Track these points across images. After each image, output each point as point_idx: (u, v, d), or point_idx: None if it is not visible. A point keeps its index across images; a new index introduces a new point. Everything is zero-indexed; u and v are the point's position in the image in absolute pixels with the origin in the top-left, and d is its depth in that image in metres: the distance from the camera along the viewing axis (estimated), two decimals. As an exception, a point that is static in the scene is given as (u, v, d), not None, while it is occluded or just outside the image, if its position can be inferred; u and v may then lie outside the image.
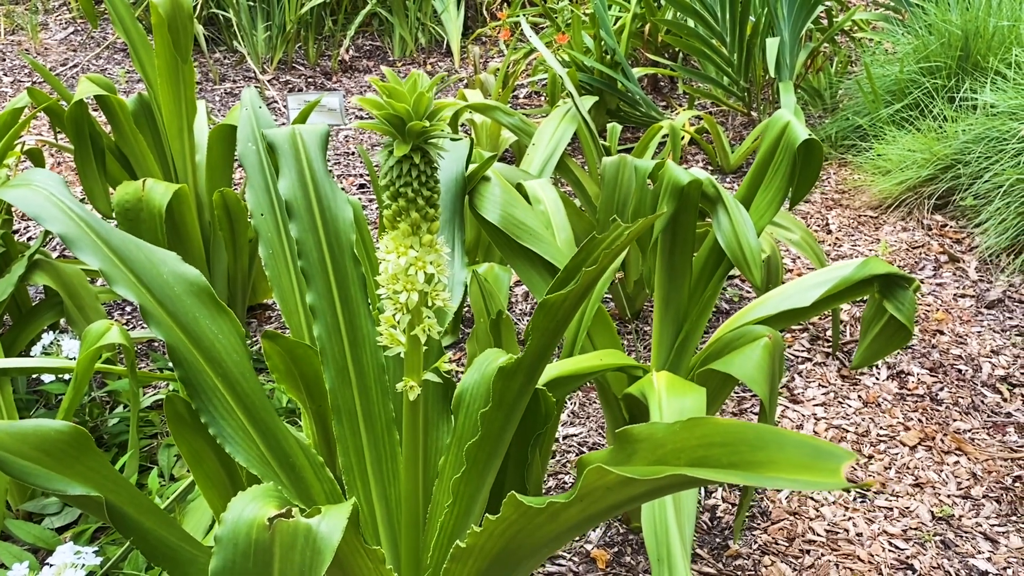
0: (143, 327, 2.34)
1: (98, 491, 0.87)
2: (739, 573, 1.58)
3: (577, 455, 1.90)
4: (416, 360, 1.01)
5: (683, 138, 3.46)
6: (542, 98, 4.20)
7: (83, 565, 1.31)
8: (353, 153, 3.59)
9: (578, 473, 0.86)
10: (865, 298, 1.83)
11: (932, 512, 1.74)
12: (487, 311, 1.63)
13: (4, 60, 4.31)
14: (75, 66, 4.27)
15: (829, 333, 2.34)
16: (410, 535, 1.12)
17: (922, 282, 2.59)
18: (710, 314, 1.50)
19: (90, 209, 2.67)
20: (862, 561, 1.61)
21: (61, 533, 1.66)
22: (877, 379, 2.16)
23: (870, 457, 1.89)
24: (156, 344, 2.26)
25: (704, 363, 1.51)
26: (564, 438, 1.94)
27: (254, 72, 4.32)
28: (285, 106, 3.79)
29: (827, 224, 2.98)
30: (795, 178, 1.38)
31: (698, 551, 1.63)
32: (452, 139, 1.38)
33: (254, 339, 2.30)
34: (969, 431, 1.98)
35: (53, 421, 0.88)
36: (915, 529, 1.70)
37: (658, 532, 1.19)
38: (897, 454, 1.90)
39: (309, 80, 4.33)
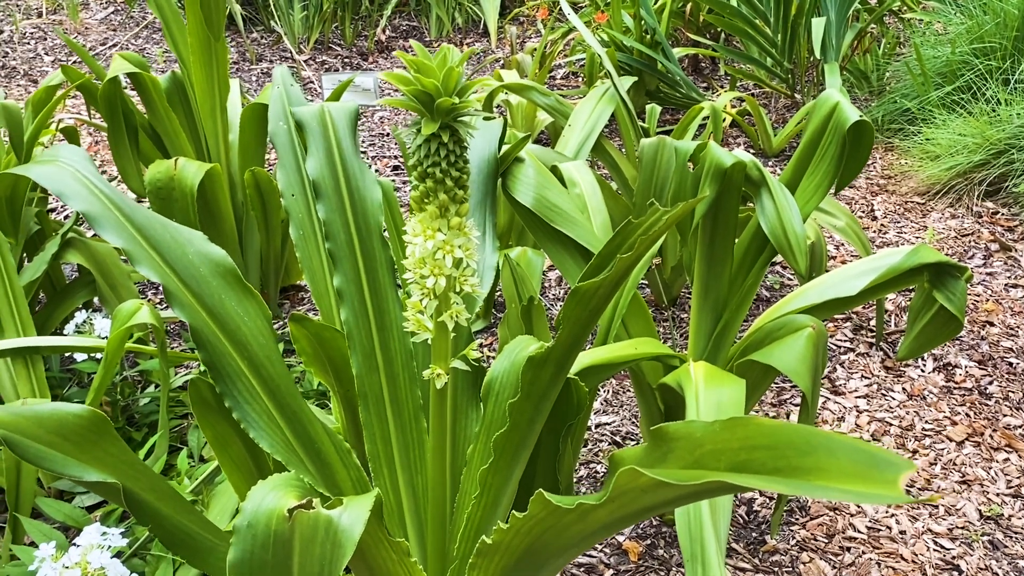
0: (176, 306, 2.34)
1: (116, 477, 0.85)
2: (776, 570, 1.53)
3: (610, 444, 1.86)
4: (443, 347, 0.97)
5: (724, 120, 3.39)
6: (579, 79, 4.13)
7: (109, 546, 1.30)
8: (387, 134, 3.56)
9: (610, 471, 0.82)
10: (912, 287, 1.76)
11: (980, 511, 1.68)
12: (519, 296, 1.59)
13: (45, 39, 4.34)
14: (114, 45, 4.29)
15: (873, 322, 2.26)
16: (436, 526, 1.09)
17: (972, 271, 2.50)
18: (751, 303, 1.45)
19: (119, 186, 2.66)
20: (905, 560, 1.55)
21: (91, 512, 1.67)
22: (923, 371, 2.09)
23: (914, 452, 1.83)
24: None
25: (743, 353, 1.46)
26: (596, 427, 1.90)
27: (290, 52, 4.30)
28: (321, 87, 3.76)
29: (872, 210, 2.90)
30: (843, 162, 1.31)
31: (734, 545, 1.59)
32: (485, 118, 1.34)
33: (287, 320, 2.29)
34: (1020, 427, 1.90)
35: (72, 405, 0.86)
36: (962, 528, 1.64)
37: (692, 528, 1.15)
38: (943, 450, 1.84)
39: (345, 60, 4.31)
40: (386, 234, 1.22)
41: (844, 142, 1.29)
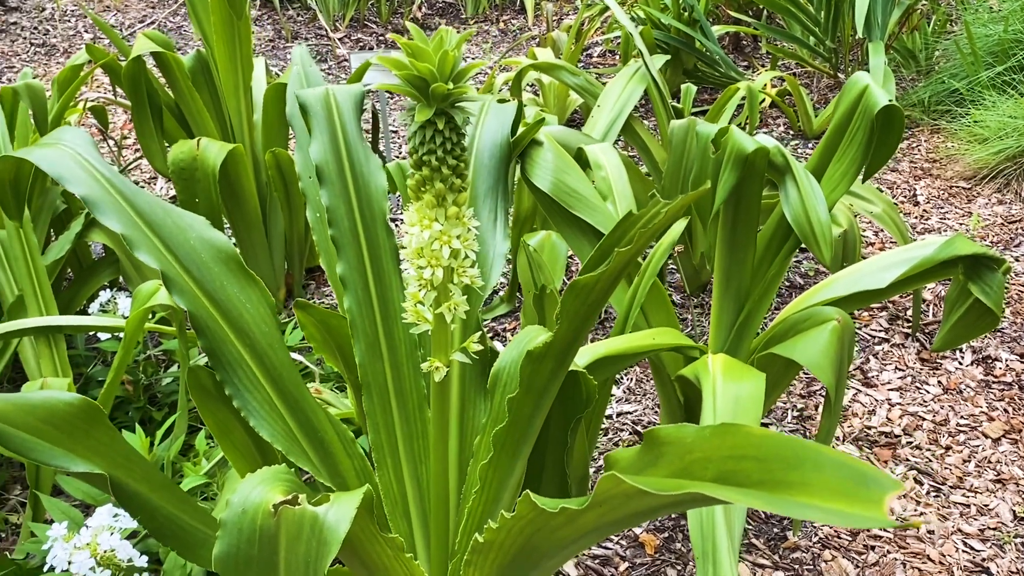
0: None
1: (106, 466, 0.84)
2: (796, 567, 1.49)
3: (631, 433, 1.83)
4: (443, 339, 0.95)
5: (763, 101, 3.30)
6: (616, 56, 4.06)
7: (121, 528, 1.30)
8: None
9: (604, 470, 0.79)
10: (950, 277, 1.69)
11: (1014, 511, 1.61)
12: (534, 283, 1.56)
13: (86, 17, 4.38)
14: (152, 23, 4.31)
15: (910, 312, 2.19)
16: (439, 519, 1.07)
17: (1016, 260, 2.40)
18: (775, 293, 1.40)
19: (146, 162, 2.66)
20: (932, 561, 1.50)
21: (111, 490, 1.68)
22: (960, 364, 2.01)
23: (947, 448, 1.76)
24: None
25: (767, 346, 1.41)
26: (618, 415, 1.87)
27: (325, 30, 4.29)
28: (353, 66, 3.74)
29: (914, 195, 2.80)
30: (871, 148, 1.25)
31: (753, 541, 1.55)
32: (499, 101, 1.31)
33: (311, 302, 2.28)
34: (1061, 425, 1.82)
35: (64, 393, 0.85)
36: (994, 529, 1.57)
37: (704, 525, 1.11)
38: (978, 446, 1.77)
39: (380, 38, 4.28)
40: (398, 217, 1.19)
41: (873, 127, 1.23)
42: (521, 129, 1.37)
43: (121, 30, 4.18)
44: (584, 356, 1.31)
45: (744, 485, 0.58)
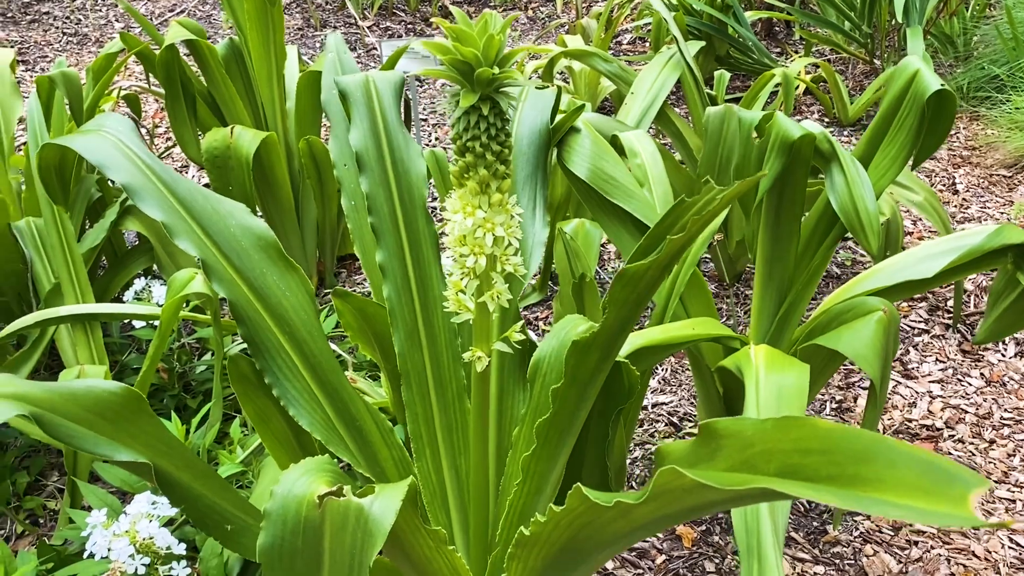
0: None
1: (150, 455, 0.83)
2: (837, 562, 1.47)
3: (666, 425, 1.81)
4: (484, 328, 0.93)
5: (797, 88, 3.24)
6: (646, 44, 4.01)
7: (158, 516, 1.30)
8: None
9: (655, 464, 0.77)
10: (995, 268, 1.65)
11: (1061, 507, 1.58)
12: (572, 272, 1.54)
13: (116, 6, 4.40)
14: (182, 11, 4.33)
15: (950, 303, 2.14)
16: (479, 511, 1.06)
17: (1061, 250, 2.34)
18: (817, 283, 1.37)
19: (178, 151, 2.68)
20: (977, 557, 1.47)
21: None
22: (1003, 356, 1.97)
23: (991, 443, 1.73)
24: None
25: (809, 337, 1.39)
26: (653, 406, 1.85)
27: (354, 18, 4.28)
28: (382, 53, 3.73)
29: (954, 183, 2.74)
30: (922, 134, 1.22)
31: (793, 535, 1.52)
32: (537, 87, 1.29)
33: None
34: (1108, 419, 1.78)
35: (106, 382, 0.85)
36: (1040, 525, 1.54)
37: (748, 519, 1.09)
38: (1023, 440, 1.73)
39: (409, 26, 4.27)
40: (437, 205, 1.18)
41: (923, 113, 1.20)
42: (559, 116, 1.35)
43: (152, 19, 4.20)
44: (624, 346, 1.30)
45: (811, 480, 0.56)
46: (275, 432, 1.11)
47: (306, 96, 2.02)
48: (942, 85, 1.18)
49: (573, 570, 0.89)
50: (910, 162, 1.32)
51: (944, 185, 2.74)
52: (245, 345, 2.03)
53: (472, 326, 0.93)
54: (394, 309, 1.09)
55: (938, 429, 1.77)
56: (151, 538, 1.29)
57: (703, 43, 2.96)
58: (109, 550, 1.26)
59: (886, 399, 1.84)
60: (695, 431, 1.80)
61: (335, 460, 0.86)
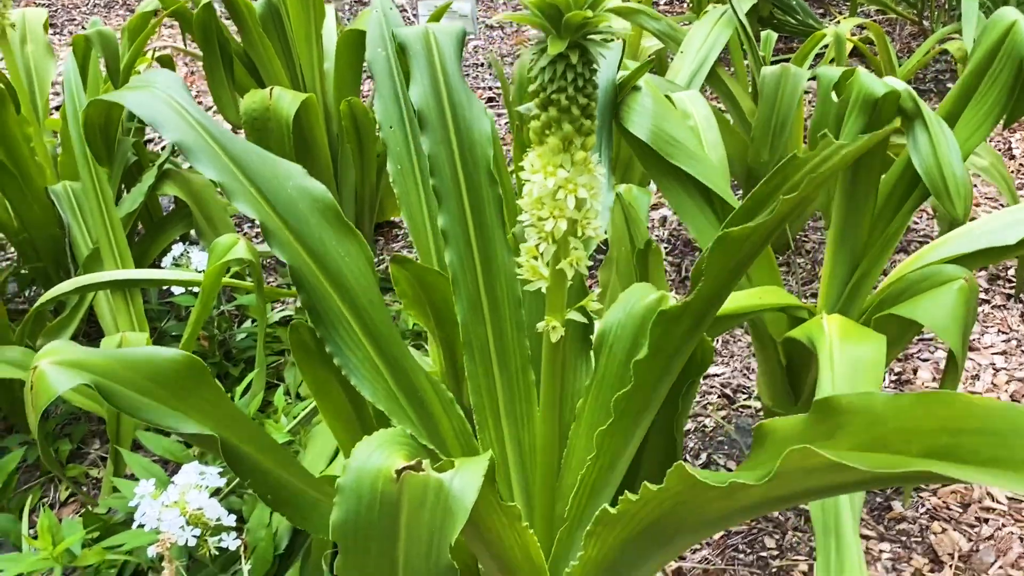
0: (272, 240, 2.31)
1: (213, 427, 0.79)
2: (903, 539, 1.42)
3: (719, 396, 1.75)
4: (559, 297, 0.88)
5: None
6: (684, 3, 3.91)
7: (207, 487, 1.27)
8: (483, 64, 3.44)
9: (757, 442, 0.72)
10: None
11: None
12: (630, 238, 1.48)
13: (143, -31, 4.33)
14: (209, -26, 4.26)
15: (1011, 272, 2.07)
16: (545, 488, 1.02)
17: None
18: (893, 251, 1.30)
19: (214, 115, 2.64)
20: (1050, 536, 1.41)
21: (190, 447, 1.66)
22: (1069, 327, 1.90)
23: (1060, 417, 1.66)
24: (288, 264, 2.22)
25: (880, 306, 1.32)
26: (704, 378, 1.79)
27: (384, -21, 4.19)
28: (415, 13, 3.65)
29: (1010, 148, 2.65)
30: (1016, 92, 1.15)
31: (855, 511, 1.47)
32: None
33: (380, 258, 2.23)
34: None
35: (167, 349, 0.81)
36: (1114, 503, 1.48)
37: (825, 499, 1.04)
38: (1093, 415, 1.66)
39: (439, -13, 4.17)
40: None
41: (1020, 69, 1.12)
42: (622, 73, 1.29)
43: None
44: (687, 316, 1.24)
45: (971, 462, 0.50)
46: (334, 403, 1.07)
47: (345, 56, 1.96)
48: (1043, 37, 1.10)
49: (655, 552, 0.85)
50: (1004, 121, 1.24)
51: (999, 149, 2.65)
52: (287, 313, 1.99)
53: (545, 294, 0.88)
54: (457, 277, 1.03)
55: (1003, 403, 1.70)
56: (201, 509, 1.25)
57: (755, 0, 2.85)
58: (159, 521, 1.23)
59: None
60: (749, 404, 1.75)
61: (408, 433, 0.81)
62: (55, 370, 0.72)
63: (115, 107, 1.52)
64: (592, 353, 1.11)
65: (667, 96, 1.76)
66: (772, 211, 0.66)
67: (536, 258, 0.87)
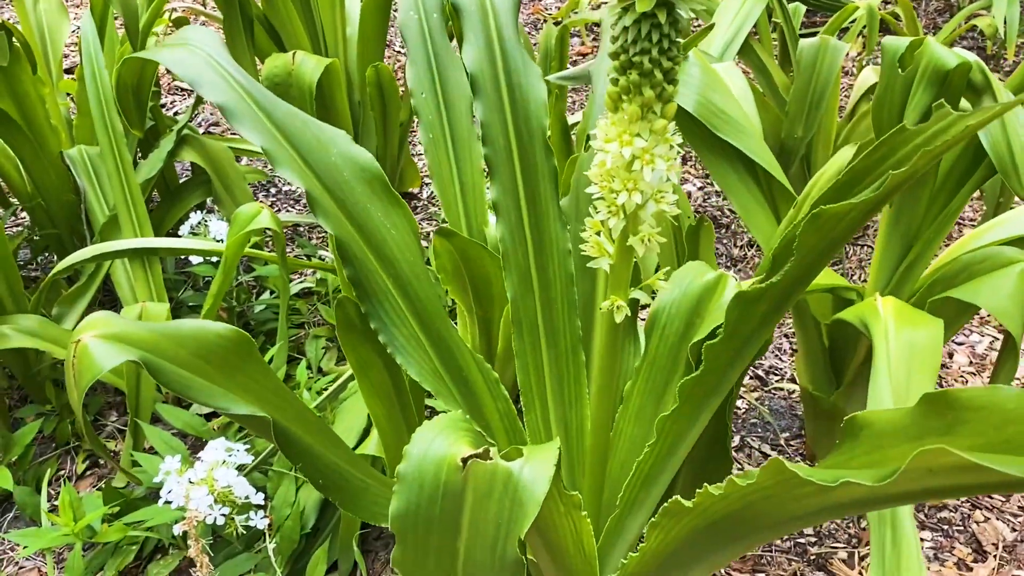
0: (288, 210, 2.26)
1: (263, 407, 0.75)
2: (945, 527, 1.38)
3: (751, 378, 1.71)
4: (625, 275, 0.83)
5: (865, 26, 3.07)
6: (705, -23, 3.82)
7: (235, 464, 1.23)
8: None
9: (848, 433, 0.68)
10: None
11: None
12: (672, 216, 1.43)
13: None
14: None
15: (1047, 256, 2.02)
16: (595, 472, 0.97)
17: None
18: (948, 231, 1.25)
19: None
20: (1095, 527, 1.38)
21: (209, 420, 1.62)
22: (1106, 313, 1.85)
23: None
24: (302, 228, 2.17)
25: (932, 289, 1.28)
26: (737, 357, 1.75)
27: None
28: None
29: (1041, 128, 2.59)
30: (1092, 66, 1.09)
31: (894, 498, 1.44)
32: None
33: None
34: None
35: (214, 324, 0.76)
36: None
37: (882, 487, 1.00)
38: None
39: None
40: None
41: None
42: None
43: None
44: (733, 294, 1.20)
45: None
46: (373, 381, 1.02)
47: (371, 20, 1.89)
48: None
49: (720, 549, 0.81)
50: None
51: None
52: (307, 284, 1.94)
53: (609, 272, 0.83)
54: (508, 251, 0.99)
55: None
56: (229, 487, 1.22)
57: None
58: (187, 498, 1.19)
59: (982, 355, 1.74)
60: (782, 385, 1.71)
61: (468, 419, 0.77)
62: (100, 345, 0.68)
63: (148, 65, 1.46)
64: (642, 333, 1.07)
65: (704, 67, 1.71)
66: (880, 186, 0.61)
67: (599, 233, 0.82)
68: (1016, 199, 1.84)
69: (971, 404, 0.55)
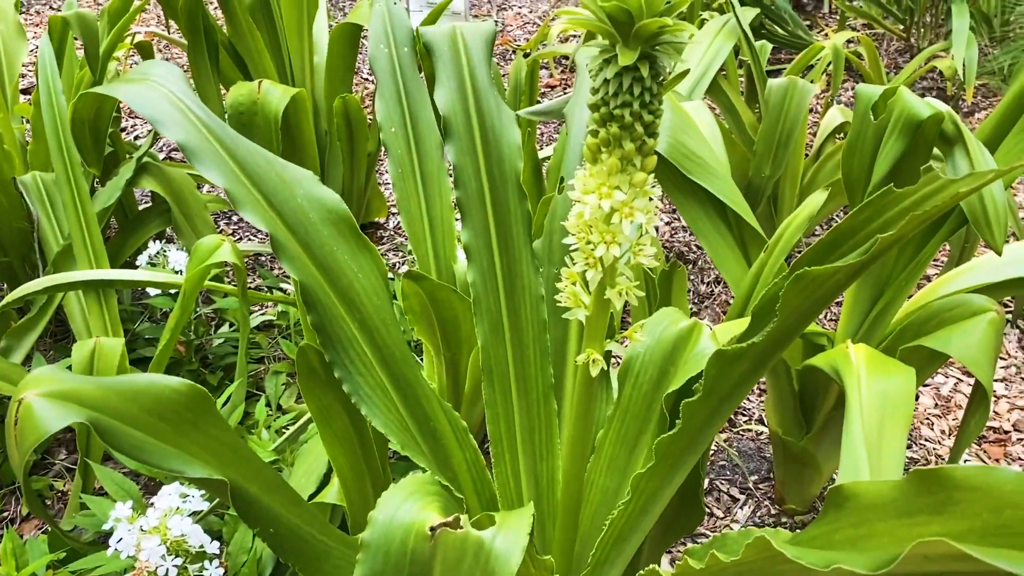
0: (250, 239, 2.21)
1: (220, 466, 0.71)
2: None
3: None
4: (601, 327, 0.81)
5: (829, 64, 3.11)
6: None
7: (190, 511, 1.18)
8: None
9: (831, 503, 0.66)
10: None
11: None
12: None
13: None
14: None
15: (1008, 298, 2.04)
16: (566, 527, 0.94)
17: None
18: (919, 279, 1.25)
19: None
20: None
21: (164, 459, 1.56)
22: (1067, 355, 1.87)
23: (1064, 448, 1.63)
24: (264, 258, 2.12)
25: (902, 335, 1.27)
26: (706, 398, 1.74)
27: (366, -30, 4.08)
28: (407, 7, 3.55)
29: (1001, 169, 2.63)
30: (1062, 119, 1.10)
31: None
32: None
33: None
34: None
35: (168, 378, 0.72)
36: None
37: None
38: (1096, 447, 1.64)
39: (422, -19, 4.07)
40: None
41: (1070, 96, 1.08)
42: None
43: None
44: (704, 339, 1.18)
45: None
46: (336, 430, 0.98)
47: (340, 49, 1.86)
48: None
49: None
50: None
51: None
52: (268, 317, 1.89)
53: (585, 324, 0.81)
54: (479, 296, 0.96)
55: (1006, 432, 1.67)
56: (183, 536, 1.16)
57: (757, 10, 2.81)
58: (138, 548, 1.13)
59: (947, 398, 1.74)
60: (751, 427, 1.70)
61: (437, 480, 0.74)
62: (45, 404, 0.63)
63: (107, 100, 1.42)
64: (615, 379, 1.04)
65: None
66: (867, 251, 0.59)
67: (576, 283, 0.80)
68: (982, 243, 1.86)
69: (965, 484, 0.53)
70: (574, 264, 0.77)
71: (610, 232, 0.73)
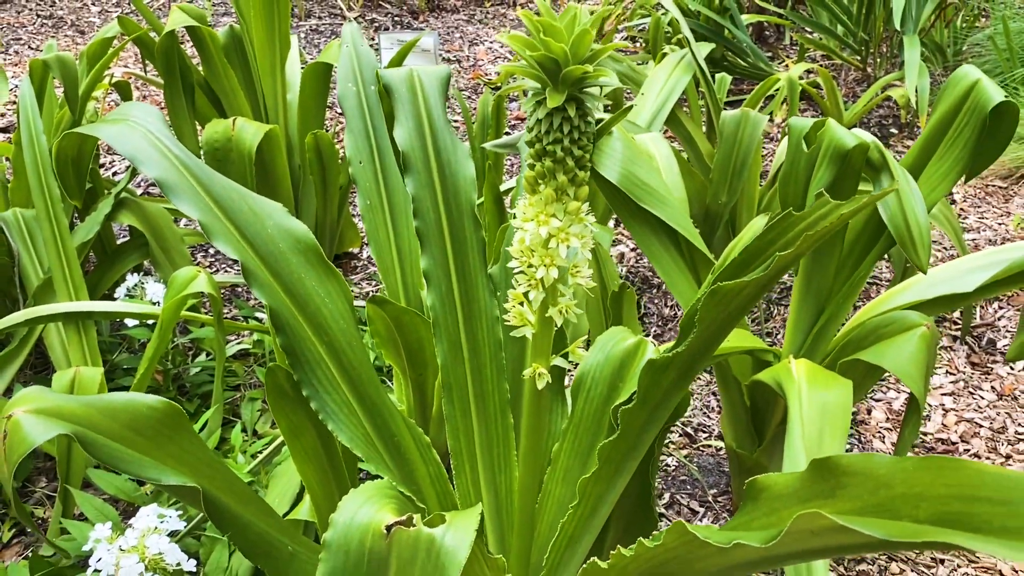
0: (227, 270, 2.27)
1: (193, 476, 0.77)
2: (863, 580, 1.44)
3: (680, 436, 1.77)
4: (546, 344, 0.88)
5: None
6: (637, 45, 3.98)
7: (168, 531, 1.23)
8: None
9: (749, 496, 0.73)
10: None
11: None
12: (602, 280, 1.50)
13: (92, -11, 4.26)
14: (162, -3, 4.20)
15: (957, 314, 2.13)
16: (523, 534, 1.01)
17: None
18: (857, 296, 1.33)
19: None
20: (1002, 576, 1.45)
21: (142, 485, 1.61)
22: (1012, 369, 1.96)
23: (1008, 457, 1.71)
24: (240, 289, 2.18)
25: (843, 351, 1.35)
26: (667, 416, 1.81)
27: (340, 9, 4.19)
28: (377, 46, 3.65)
29: (951, 194, 2.74)
30: (978, 148, 1.19)
31: (816, 551, 1.49)
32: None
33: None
34: (1120, 434, 1.78)
35: (145, 396, 0.78)
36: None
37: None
38: (1037, 455, 1.72)
39: (396, 19, 4.18)
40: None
41: (983, 125, 1.17)
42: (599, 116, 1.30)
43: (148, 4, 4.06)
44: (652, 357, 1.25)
45: (985, 532, 0.51)
46: (305, 447, 1.04)
47: (310, 88, 1.94)
48: (1005, 97, 1.15)
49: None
50: (967, 175, 1.28)
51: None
52: (243, 346, 1.95)
53: (531, 341, 0.88)
54: (438, 319, 1.03)
55: (953, 443, 1.75)
56: (160, 554, 1.21)
57: (713, 45, 2.92)
58: (117, 567, 1.18)
59: (897, 411, 1.83)
60: (711, 443, 1.77)
61: (394, 486, 0.80)
62: (31, 420, 0.69)
63: (88, 140, 1.49)
64: (568, 396, 1.11)
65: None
66: (768, 266, 0.67)
67: (522, 303, 0.87)
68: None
69: (850, 469, 0.61)
70: (519, 286, 0.84)
71: (548, 255, 0.81)
